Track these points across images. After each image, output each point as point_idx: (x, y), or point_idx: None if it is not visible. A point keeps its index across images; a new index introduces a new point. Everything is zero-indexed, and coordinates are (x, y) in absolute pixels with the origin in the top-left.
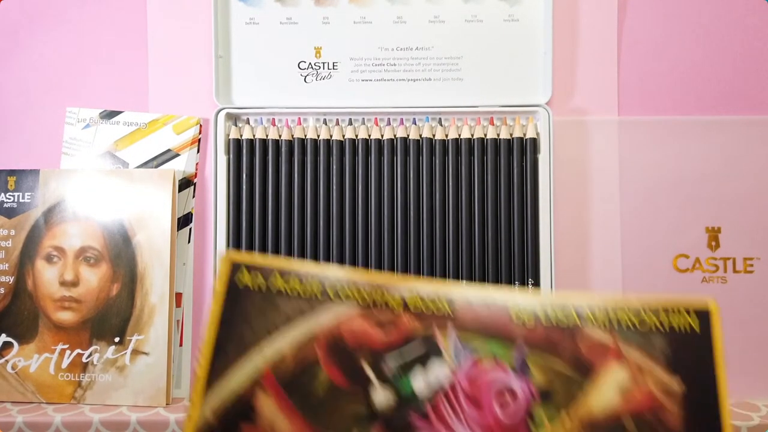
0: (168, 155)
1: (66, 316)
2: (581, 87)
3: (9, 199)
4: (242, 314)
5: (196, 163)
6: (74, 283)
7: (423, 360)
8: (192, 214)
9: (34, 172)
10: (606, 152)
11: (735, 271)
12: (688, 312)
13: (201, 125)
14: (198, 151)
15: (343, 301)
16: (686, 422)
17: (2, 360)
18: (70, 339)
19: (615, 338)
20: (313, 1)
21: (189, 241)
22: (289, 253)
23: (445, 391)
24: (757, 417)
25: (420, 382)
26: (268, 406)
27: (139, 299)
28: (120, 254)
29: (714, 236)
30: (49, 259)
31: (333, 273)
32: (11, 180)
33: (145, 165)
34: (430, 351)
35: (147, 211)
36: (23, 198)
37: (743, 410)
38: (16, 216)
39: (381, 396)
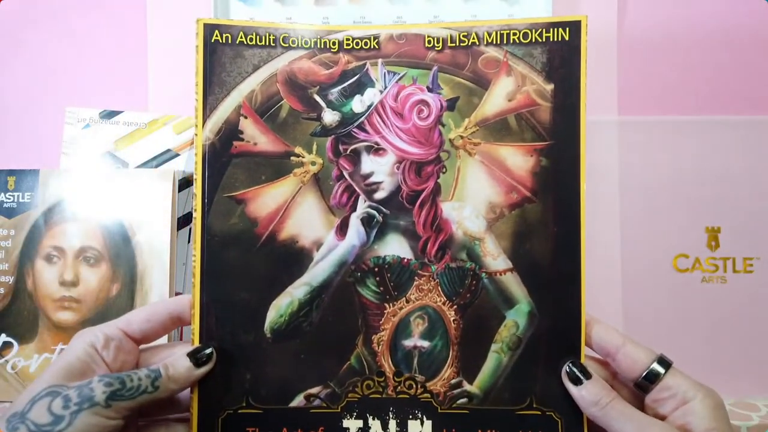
0: (168, 155)
1: (66, 316)
2: None
3: (9, 199)
4: (219, 63)
5: None
6: (74, 283)
7: (359, 88)
8: (192, 214)
9: (34, 172)
10: (606, 152)
11: (735, 270)
12: (564, 26)
13: None
14: None
15: (292, 48)
16: (552, 113)
17: (2, 360)
18: (70, 339)
19: (506, 54)
20: (313, 1)
21: (189, 241)
22: None
23: (377, 109)
24: (756, 417)
25: (357, 103)
26: (248, 126)
27: (138, 299)
28: (120, 254)
29: (714, 236)
30: (48, 259)
31: (283, 27)
32: (11, 180)
33: (145, 165)
34: (364, 80)
35: (147, 211)
36: (23, 198)
37: (743, 410)
38: (16, 216)
39: (329, 116)
